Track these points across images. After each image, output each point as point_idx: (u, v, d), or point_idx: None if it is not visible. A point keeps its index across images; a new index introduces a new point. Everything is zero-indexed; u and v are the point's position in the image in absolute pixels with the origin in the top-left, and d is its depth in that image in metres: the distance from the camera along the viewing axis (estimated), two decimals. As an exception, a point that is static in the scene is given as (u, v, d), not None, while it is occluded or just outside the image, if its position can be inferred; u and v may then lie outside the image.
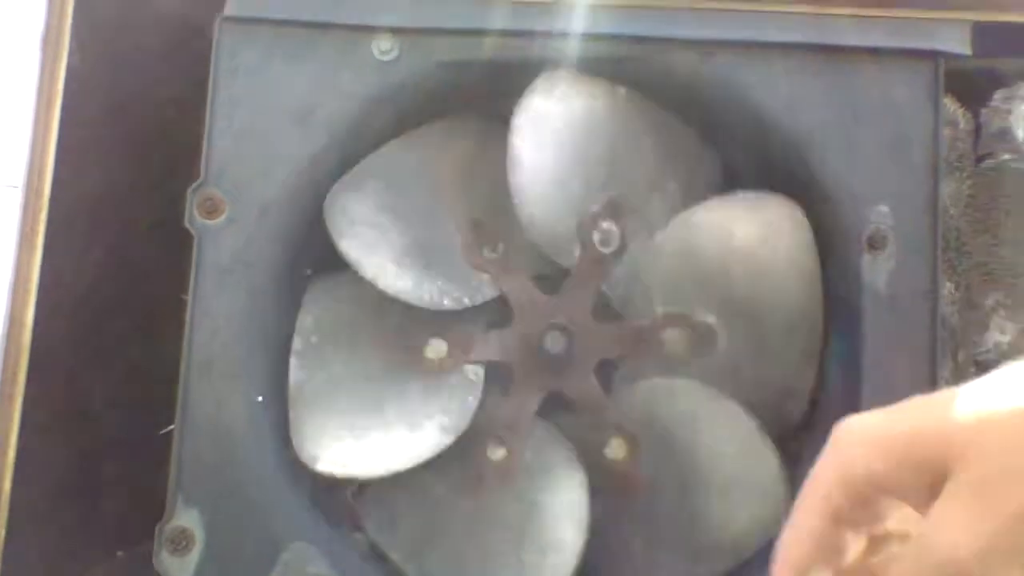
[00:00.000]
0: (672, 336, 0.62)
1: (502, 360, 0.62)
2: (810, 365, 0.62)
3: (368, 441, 0.60)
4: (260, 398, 0.58)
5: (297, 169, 0.58)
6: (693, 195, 0.63)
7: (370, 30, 0.58)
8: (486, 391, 0.62)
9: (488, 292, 0.62)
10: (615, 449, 0.61)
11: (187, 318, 0.57)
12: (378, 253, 0.60)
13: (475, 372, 0.62)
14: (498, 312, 0.63)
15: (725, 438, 0.60)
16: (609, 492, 0.61)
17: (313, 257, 0.63)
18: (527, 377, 0.62)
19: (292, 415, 0.60)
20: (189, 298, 0.57)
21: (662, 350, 0.62)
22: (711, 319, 0.62)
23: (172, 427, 0.58)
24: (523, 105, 0.59)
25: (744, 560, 0.60)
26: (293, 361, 0.61)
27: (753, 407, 0.61)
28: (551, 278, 0.63)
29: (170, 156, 0.63)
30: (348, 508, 0.63)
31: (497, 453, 0.60)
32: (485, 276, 0.61)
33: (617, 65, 0.60)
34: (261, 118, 0.58)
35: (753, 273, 0.61)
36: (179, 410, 0.57)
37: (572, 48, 0.59)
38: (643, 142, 0.62)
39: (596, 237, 0.61)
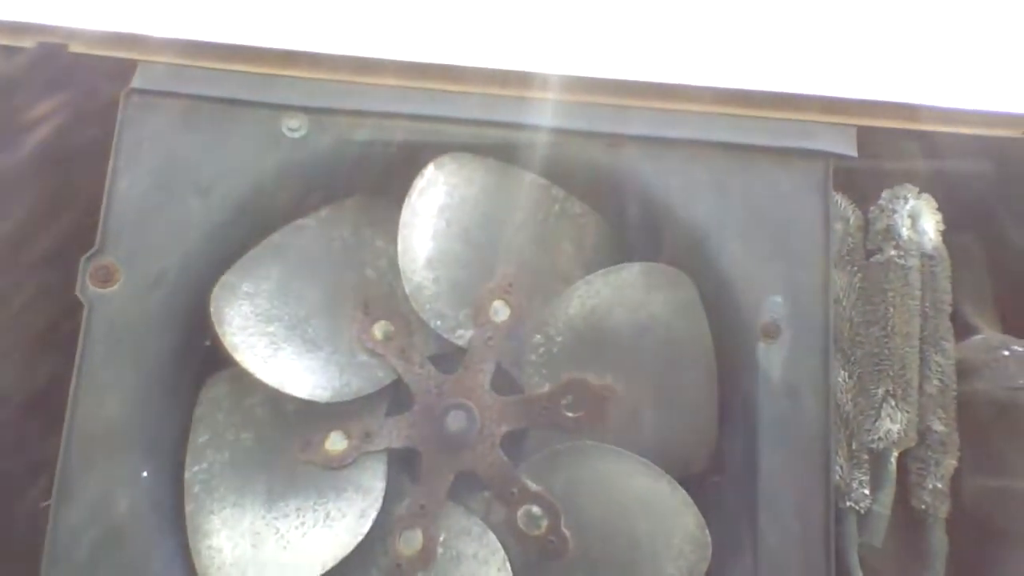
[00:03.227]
0: (572, 401, 0.62)
1: (406, 446, 0.61)
2: (710, 414, 0.62)
3: (276, 549, 0.58)
4: (145, 473, 0.57)
5: (196, 241, 0.58)
6: (587, 270, 0.64)
7: (279, 108, 0.59)
8: (393, 478, 0.61)
9: (385, 377, 0.61)
10: (532, 520, 0.60)
11: (71, 388, 0.56)
12: (265, 346, 0.59)
13: (379, 460, 0.61)
14: (396, 396, 0.63)
15: (639, 494, 0.60)
16: (532, 563, 0.60)
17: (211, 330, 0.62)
18: (434, 460, 0.61)
19: (189, 524, 0.58)
20: (76, 368, 0.56)
21: (565, 416, 0.62)
22: (609, 380, 0.62)
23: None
24: (415, 186, 0.60)
25: None
26: (189, 458, 0.59)
27: (659, 459, 0.61)
28: (448, 357, 0.63)
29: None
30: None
31: (413, 540, 0.59)
32: (380, 361, 0.61)
33: (524, 152, 0.62)
34: (162, 189, 0.58)
35: (648, 332, 0.62)
36: (57, 480, 0.55)
37: (478, 133, 0.61)
38: (539, 223, 0.63)
39: (490, 314, 0.61)
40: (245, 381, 0.60)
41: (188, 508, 0.58)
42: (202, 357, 0.62)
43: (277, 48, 0.59)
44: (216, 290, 0.59)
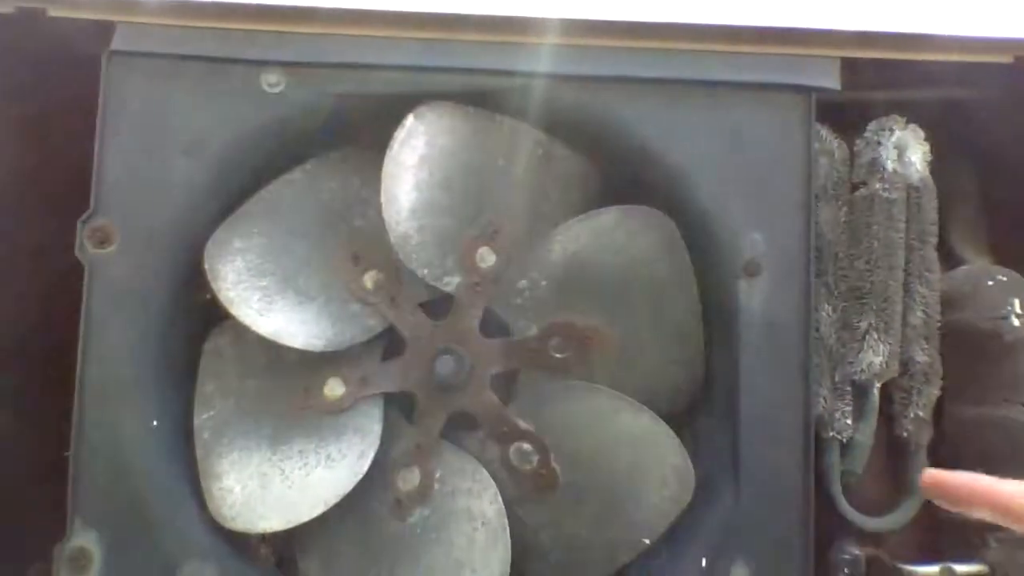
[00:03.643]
0: (559, 343, 0.64)
1: (401, 390, 0.64)
2: (696, 351, 0.64)
3: (282, 488, 0.61)
4: (155, 422, 0.60)
5: (187, 199, 0.60)
6: (572, 213, 0.64)
7: (258, 64, 0.60)
8: (392, 420, 0.64)
9: (377, 325, 0.63)
10: (523, 456, 0.64)
11: (79, 345, 0.59)
12: (259, 300, 0.61)
13: (376, 404, 0.63)
14: (391, 342, 0.65)
15: (624, 429, 0.63)
16: (524, 497, 0.63)
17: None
18: (428, 401, 0.64)
19: (200, 467, 0.61)
20: (81, 326, 0.59)
21: (552, 357, 0.64)
22: (596, 322, 0.64)
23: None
24: (396, 137, 0.61)
25: (659, 534, 0.62)
26: (196, 406, 0.62)
27: (646, 396, 0.63)
28: (438, 302, 0.65)
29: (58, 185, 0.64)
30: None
31: (410, 478, 0.63)
32: (372, 309, 0.63)
33: (503, 97, 0.62)
34: (150, 150, 0.59)
35: (631, 274, 0.64)
36: (74, 434, 0.59)
37: (457, 81, 0.61)
38: (522, 169, 0.64)
39: (476, 260, 0.63)
40: (245, 332, 0.62)
41: (199, 453, 0.61)
42: (203, 310, 0.64)
43: (254, 3, 0.59)
44: (209, 246, 0.61)
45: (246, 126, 0.60)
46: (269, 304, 0.61)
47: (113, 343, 0.59)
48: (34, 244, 0.64)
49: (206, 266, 0.61)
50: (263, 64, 0.59)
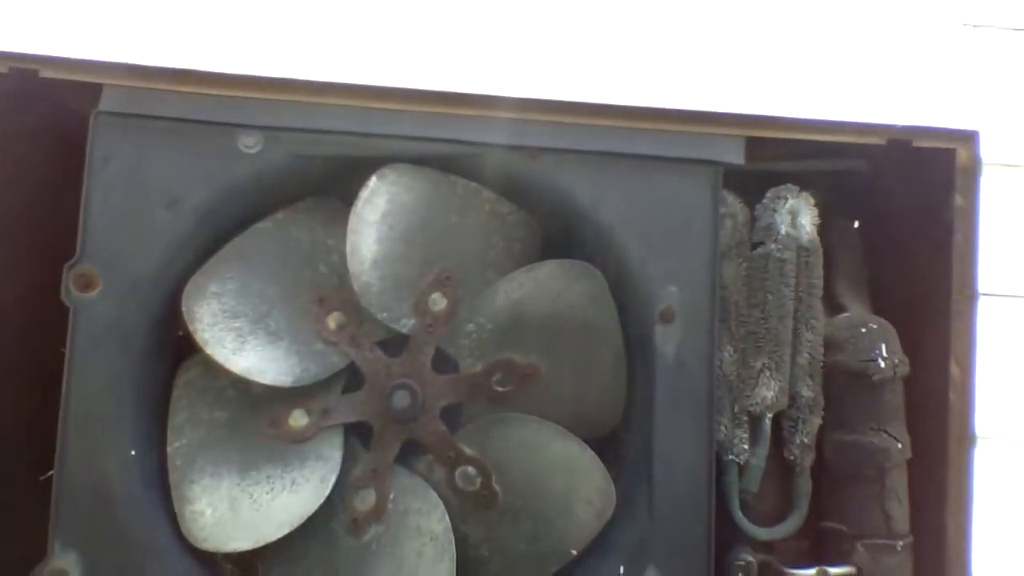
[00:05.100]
0: (501, 378, 0.72)
1: (359, 420, 0.71)
2: (619, 386, 0.73)
3: (250, 511, 0.67)
4: (132, 452, 0.66)
5: (166, 249, 0.65)
6: (516, 264, 0.73)
7: (235, 127, 0.66)
8: (351, 446, 0.71)
9: (339, 362, 0.71)
10: (468, 478, 0.72)
11: (64, 380, 0.64)
12: (232, 340, 0.68)
13: (337, 433, 0.71)
14: (351, 377, 0.72)
15: (556, 455, 0.71)
16: (468, 515, 0.71)
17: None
18: (384, 430, 0.72)
19: (173, 492, 0.67)
20: (66, 363, 0.64)
21: (495, 391, 0.72)
22: (534, 360, 0.73)
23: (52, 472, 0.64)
24: (360, 196, 0.68)
25: (585, 546, 0.71)
26: (169, 436, 0.68)
27: (575, 426, 0.72)
28: (395, 341, 0.72)
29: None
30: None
31: (367, 498, 0.70)
32: (335, 348, 0.70)
33: (458, 162, 0.70)
34: (133, 202, 0.65)
35: (565, 318, 0.72)
36: (57, 461, 0.64)
37: (416, 148, 0.69)
38: (471, 223, 0.72)
39: (429, 304, 0.71)
40: (216, 366, 0.68)
41: (172, 479, 0.67)
42: (176, 346, 0.70)
43: (234, 72, 0.65)
44: (187, 290, 0.67)
45: (223, 183, 0.66)
46: (242, 344, 0.68)
47: (95, 378, 0.64)
48: (20, 289, 0.68)
49: (183, 308, 0.66)
50: (241, 127, 0.66)
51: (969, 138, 0.75)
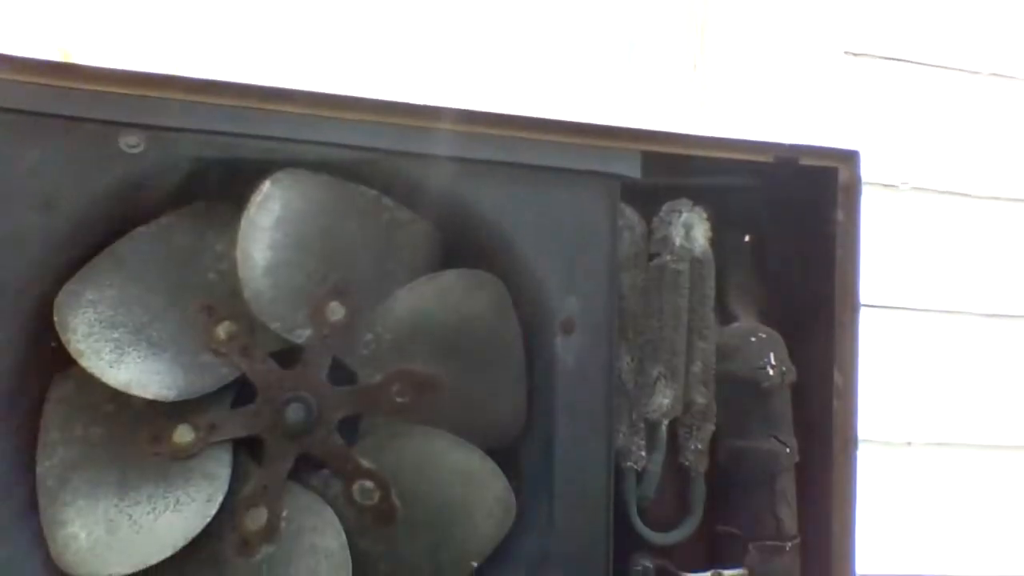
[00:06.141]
0: (401, 389, 0.71)
1: (250, 435, 0.68)
2: (519, 396, 0.73)
3: (129, 534, 0.63)
4: (-2, 472, 0.61)
5: (39, 253, 0.61)
6: (416, 273, 0.72)
7: (118, 125, 0.62)
8: (241, 462, 0.68)
9: (229, 374, 0.67)
10: (365, 492, 0.69)
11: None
12: (110, 351, 0.64)
13: (225, 449, 0.67)
14: (242, 390, 0.69)
15: (456, 466, 0.70)
16: (365, 529, 0.69)
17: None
18: (276, 445, 0.69)
19: (43, 515, 0.62)
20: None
21: (394, 402, 0.71)
22: (434, 371, 0.71)
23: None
24: (253, 200, 0.66)
25: (486, 557, 0.70)
26: (40, 455, 0.63)
27: (477, 436, 0.71)
28: (291, 352, 0.69)
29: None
30: None
31: (258, 517, 0.67)
32: (224, 359, 0.67)
33: (356, 169, 0.69)
34: (2, 204, 0.60)
35: (466, 329, 0.72)
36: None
37: (313, 152, 0.67)
38: (371, 231, 0.70)
39: (326, 314, 0.69)
40: (92, 379, 0.64)
41: (42, 501, 0.62)
42: (48, 358, 0.65)
43: (114, 67, 0.62)
44: (59, 298, 0.62)
45: (102, 185, 0.62)
46: (120, 356, 0.63)
47: (-46, 393, 0.59)
48: None
49: (55, 318, 0.62)
50: (123, 125, 0.62)
51: (850, 158, 0.79)
